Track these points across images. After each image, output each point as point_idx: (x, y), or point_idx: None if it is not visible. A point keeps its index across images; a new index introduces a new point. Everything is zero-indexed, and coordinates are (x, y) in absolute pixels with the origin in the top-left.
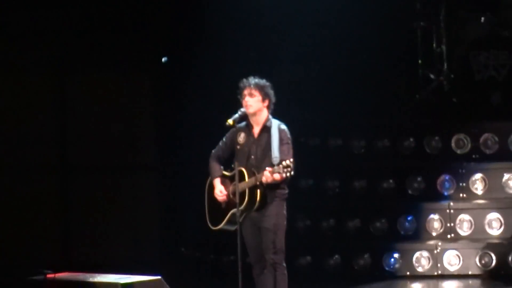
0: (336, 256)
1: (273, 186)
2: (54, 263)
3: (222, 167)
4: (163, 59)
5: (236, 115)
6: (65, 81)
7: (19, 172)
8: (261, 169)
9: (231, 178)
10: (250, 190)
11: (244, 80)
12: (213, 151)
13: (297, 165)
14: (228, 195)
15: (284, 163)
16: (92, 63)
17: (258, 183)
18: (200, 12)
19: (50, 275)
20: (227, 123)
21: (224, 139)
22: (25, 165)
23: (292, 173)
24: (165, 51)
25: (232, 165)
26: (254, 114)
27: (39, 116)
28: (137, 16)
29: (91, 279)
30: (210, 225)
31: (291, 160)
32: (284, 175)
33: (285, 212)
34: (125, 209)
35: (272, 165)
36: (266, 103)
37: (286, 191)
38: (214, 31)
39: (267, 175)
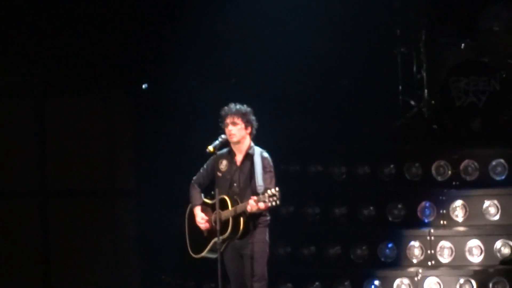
0: (317, 283)
1: (256, 214)
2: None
3: (203, 194)
4: (144, 86)
5: (217, 142)
6: (45, 105)
7: None
8: (244, 197)
9: (213, 206)
10: (233, 218)
11: (226, 108)
12: (193, 178)
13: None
14: (210, 223)
15: (269, 191)
16: (72, 88)
17: (241, 211)
18: (180, 38)
19: None
20: (207, 150)
21: (205, 166)
22: (4, 190)
23: (278, 202)
24: (145, 76)
25: (212, 192)
26: (238, 142)
27: (19, 140)
28: (118, 41)
29: None
30: (191, 253)
31: (277, 189)
32: (269, 204)
33: (267, 238)
34: (104, 234)
35: (256, 194)
36: (249, 130)
37: (268, 218)
38: (194, 57)
39: (252, 204)
